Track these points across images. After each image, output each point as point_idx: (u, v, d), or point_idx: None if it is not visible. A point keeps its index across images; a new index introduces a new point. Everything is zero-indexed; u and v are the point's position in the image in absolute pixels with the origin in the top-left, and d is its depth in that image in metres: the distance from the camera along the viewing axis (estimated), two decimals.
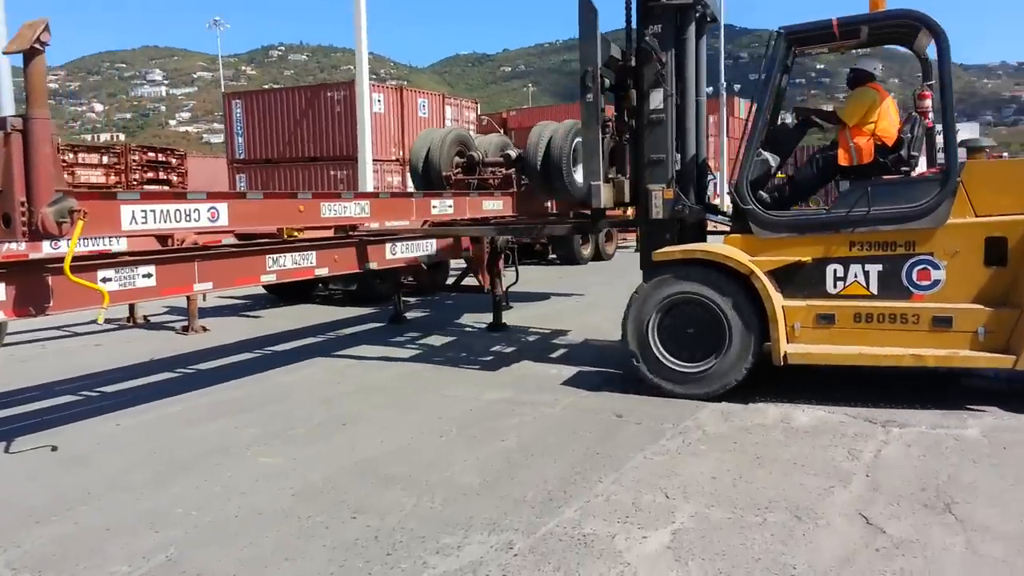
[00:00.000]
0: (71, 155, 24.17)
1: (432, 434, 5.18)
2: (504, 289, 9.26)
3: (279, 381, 6.82)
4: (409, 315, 10.44)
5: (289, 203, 6.52)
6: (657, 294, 5.97)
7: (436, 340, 8.65)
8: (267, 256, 6.24)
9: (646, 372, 5.98)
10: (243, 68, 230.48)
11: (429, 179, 10.40)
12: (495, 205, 9.48)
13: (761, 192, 6.11)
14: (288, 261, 6.45)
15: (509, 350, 8.02)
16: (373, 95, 24.35)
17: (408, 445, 4.98)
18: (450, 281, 11.56)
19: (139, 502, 4.14)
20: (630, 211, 11.45)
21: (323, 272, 6.84)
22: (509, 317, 9.71)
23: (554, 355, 7.69)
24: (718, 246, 5.93)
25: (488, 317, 9.37)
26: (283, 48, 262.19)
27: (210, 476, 4.48)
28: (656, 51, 6.32)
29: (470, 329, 9.36)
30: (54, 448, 5.06)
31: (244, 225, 6.24)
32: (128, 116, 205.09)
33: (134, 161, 25.66)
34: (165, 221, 5.45)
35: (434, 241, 8.31)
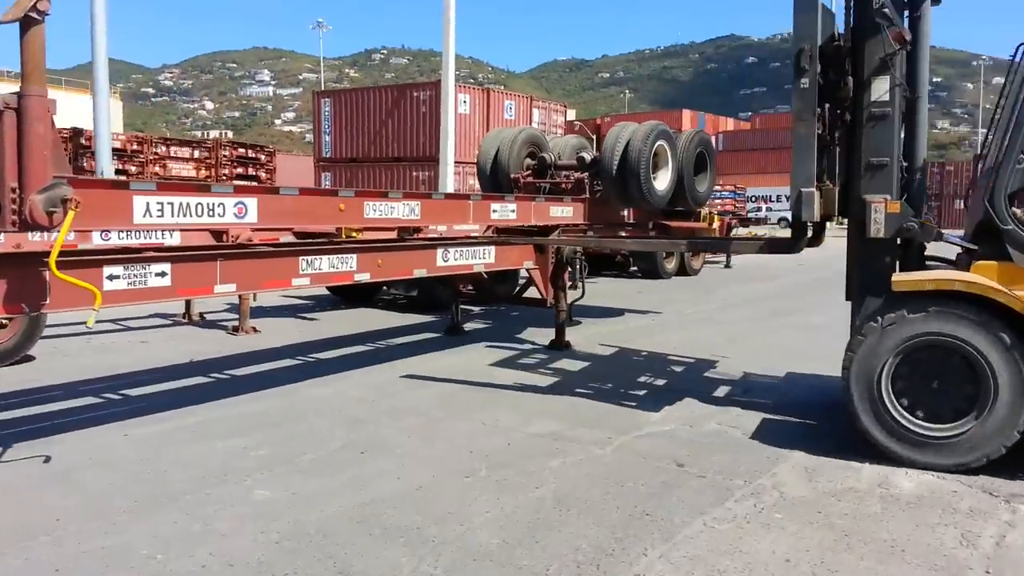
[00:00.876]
0: (163, 148, 24.81)
1: (457, 473, 4.49)
2: (568, 304, 8.50)
3: (310, 395, 6.27)
4: (469, 326, 9.81)
5: (328, 200, 5.96)
6: (894, 335, 4.75)
7: (489, 356, 7.97)
8: (300, 258, 5.70)
9: (876, 433, 4.78)
10: (346, 71, 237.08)
11: (497, 181, 9.76)
12: (564, 212, 8.73)
13: (1014, 209, 4.88)
14: (324, 264, 5.89)
15: (566, 373, 7.26)
16: (459, 96, 24.06)
17: (426, 485, 4.29)
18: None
19: (105, 536, 3.60)
20: (716, 223, 10.58)
21: (363, 277, 6.26)
22: (574, 335, 8.94)
23: (614, 382, 6.88)
24: (979, 276, 4.72)
25: (553, 333, 8.63)
26: (385, 51, 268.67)
27: (194, 509, 3.92)
28: (896, 24, 4.92)
29: (530, 346, 8.64)
30: (47, 459, 4.62)
31: (277, 223, 5.72)
32: (237, 114, 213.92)
33: (224, 156, 26.16)
34: (185, 215, 4.97)
35: (492, 249, 7.64)
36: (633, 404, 6.08)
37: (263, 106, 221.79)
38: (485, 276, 8.81)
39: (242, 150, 27.23)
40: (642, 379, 6.99)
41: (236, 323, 9.14)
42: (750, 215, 33.73)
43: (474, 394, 6.37)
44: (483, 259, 7.54)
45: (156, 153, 24.61)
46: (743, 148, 69.88)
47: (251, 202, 5.35)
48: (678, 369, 7.42)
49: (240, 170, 26.71)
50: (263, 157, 27.73)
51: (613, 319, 10.71)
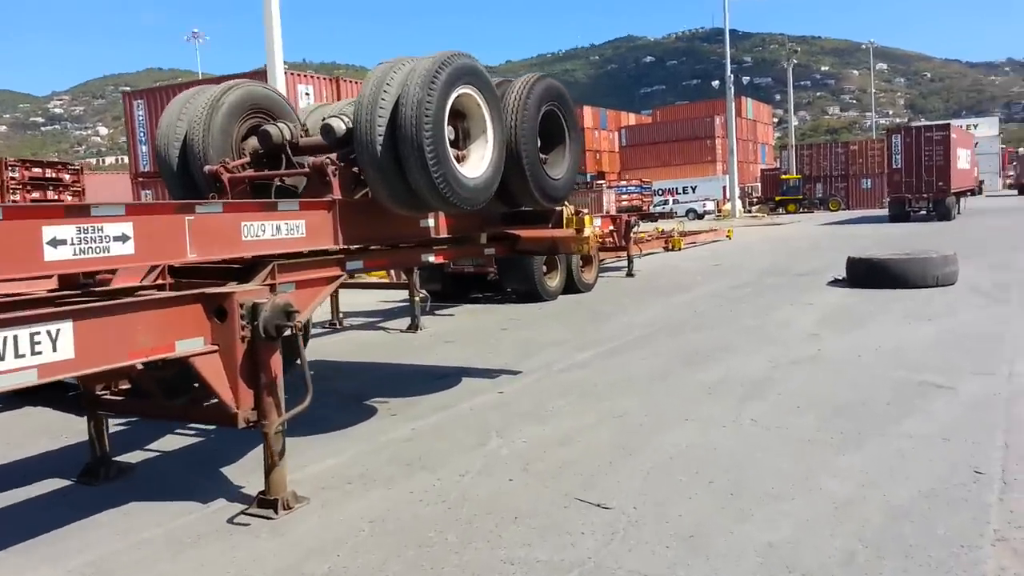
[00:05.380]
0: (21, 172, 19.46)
1: None
2: (280, 420, 4.19)
3: None
4: (151, 449, 5.47)
5: None
6: None
7: (92, 562, 3.66)
8: None
9: None
10: None
11: (191, 178, 5.46)
12: (282, 229, 4.50)
13: None
14: None
15: None
16: (299, 87, 19.69)
17: None
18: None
19: None
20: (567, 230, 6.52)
21: None
22: (334, 454, 4.74)
23: None
24: None
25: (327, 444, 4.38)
26: (286, 65, 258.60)
27: None
28: None
29: (220, 504, 4.36)
30: None
31: None
32: None
33: (12, 179, 20.84)
34: None
35: (69, 325, 3.35)
36: None
37: None
38: (142, 367, 4.51)
39: (37, 170, 21.88)
40: None
41: None
42: (655, 209, 30.36)
43: None
44: (32, 355, 3.23)
45: (13, 178, 19.26)
46: (646, 142, 67.42)
47: None
48: None
49: (37, 194, 21.43)
50: (67, 176, 22.46)
51: (437, 394, 6.52)
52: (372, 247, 5.31)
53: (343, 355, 8.63)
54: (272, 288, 4.37)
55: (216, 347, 4.01)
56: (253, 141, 5.54)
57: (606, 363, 7.44)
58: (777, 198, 50.75)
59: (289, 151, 5.38)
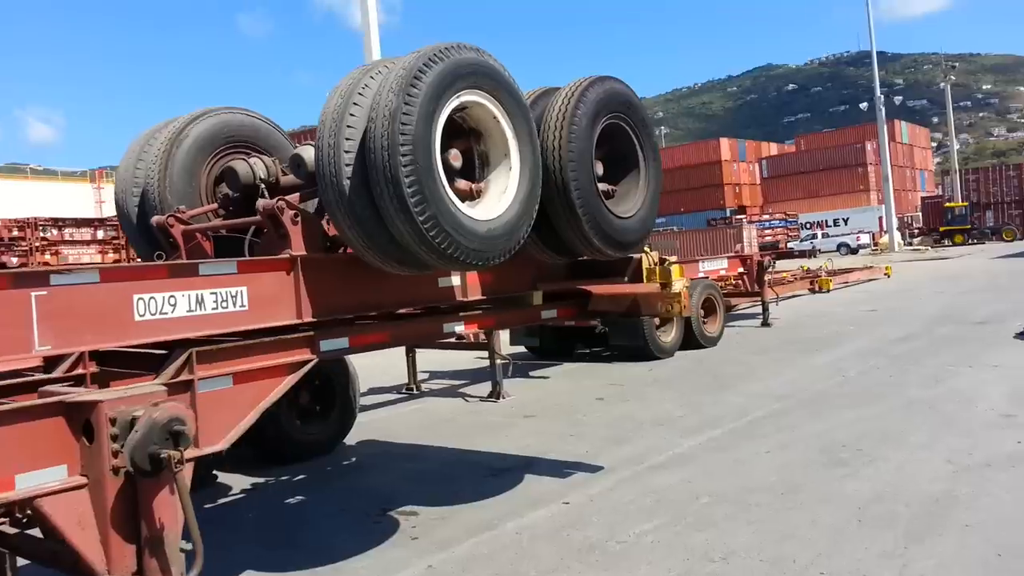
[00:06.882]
0: (54, 231, 20.18)
1: None
2: None
3: None
4: None
5: None
6: None
7: None
8: None
9: None
10: None
11: (148, 230, 4.32)
12: (208, 302, 3.20)
13: None
14: None
15: None
16: None
17: None
18: None
19: None
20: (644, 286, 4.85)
21: None
22: None
23: None
24: None
25: None
26: None
27: None
28: None
29: None
30: None
31: None
32: None
33: None
34: None
35: None
36: None
37: None
38: None
39: None
40: None
41: None
42: (794, 245, 27.42)
43: None
44: None
45: (45, 238, 20.01)
46: (790, 172, 63.59)
47: None
48: None
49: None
50: None
51: (483, 503, 5.00)
52: (365, 316, 3.92)
53: (399, 433, 7.29)
54: (184, 387, 3.06)
55: (84, 481, 2.73)
56: (226, 188, 4.33)
57: (717, 458, 5.65)
58: (942, 228, 45.93)
59: (266, 193, 4.12)
